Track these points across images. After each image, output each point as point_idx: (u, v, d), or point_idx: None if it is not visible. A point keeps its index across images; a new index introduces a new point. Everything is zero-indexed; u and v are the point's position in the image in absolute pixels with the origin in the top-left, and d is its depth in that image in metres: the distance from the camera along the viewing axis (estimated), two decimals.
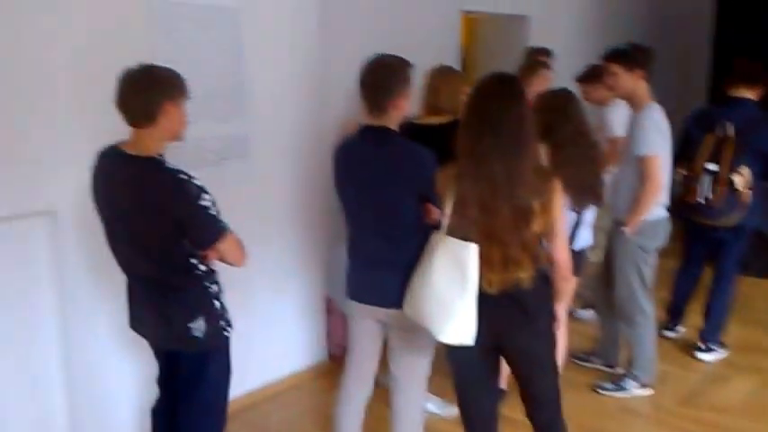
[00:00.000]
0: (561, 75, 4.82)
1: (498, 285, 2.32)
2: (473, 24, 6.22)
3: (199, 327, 2.41)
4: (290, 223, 3.86)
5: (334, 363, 4.08)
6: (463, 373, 2.54)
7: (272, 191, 3.73)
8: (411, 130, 2.92)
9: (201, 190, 2.27)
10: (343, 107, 4.04)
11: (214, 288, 2.47)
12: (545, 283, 2.44)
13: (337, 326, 4.16)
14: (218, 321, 2.48)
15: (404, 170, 2.58)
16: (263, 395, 3.82)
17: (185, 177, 2.26)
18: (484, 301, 2.31)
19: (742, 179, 3.93)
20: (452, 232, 2.34)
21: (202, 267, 2.41)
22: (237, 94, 3.46)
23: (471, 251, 2.28)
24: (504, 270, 2.31)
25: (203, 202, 2.26)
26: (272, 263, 3.76)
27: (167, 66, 2.36)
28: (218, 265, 2.48)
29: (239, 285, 3.41)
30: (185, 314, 2.42)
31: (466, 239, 2.30)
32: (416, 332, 2.66)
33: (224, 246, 2.35)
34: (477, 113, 2.32)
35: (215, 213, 2.31)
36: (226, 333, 2.52)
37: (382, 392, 3.01)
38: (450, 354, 2.49)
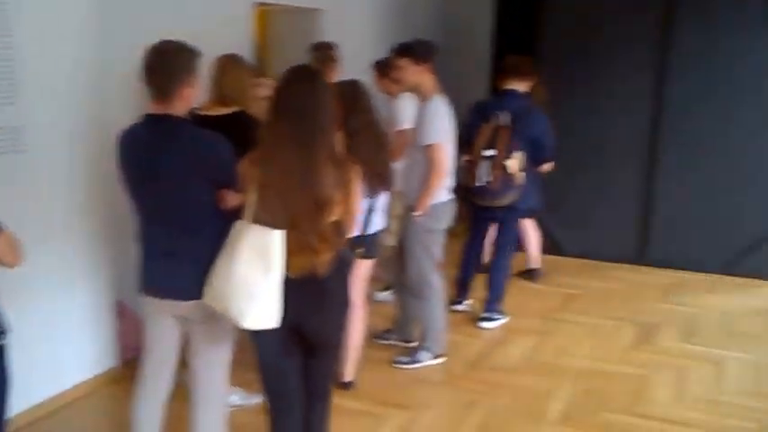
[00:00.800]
0: (352, 67, 5.01)
1: (297, 270, 2.40)
2: (266, 16, 6.25)
3: None
4: (73, 221, 3.61)
5: (127, 368, 3.89)
6: (267, 354, 2.59)
7: (51, 186, 3.46)
8: (194, 120, 2.85)
9: None
10: (126, 94, 3.80)
11: None
12: (342, 268, 2.55)
13: (129, 330, 3.96)
14: None
15: (193, 157, 2.50)
16: (49, 407, 3.56)
17: None
18: (284, 283, 2.37)
19: (515, 163, 4.38)
20: (256, 219, 2.37)
21: None
22: (6, 81, 3.17)
23: (275, 237, 2.32)
24: (302, 256, 2.38)
25: None
26: (53, 265, 3.50)
27: None
28: None
29: (17, 291, 3.18)
30: None
31: (269, 226, 2.34)
32: (217, 323, 2.66)
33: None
34: (277, 103, 2.39)
35: None
36: (3, 341, 2.34)
37: (181, 391, 2.95)
38: (255, 337, 2.53)
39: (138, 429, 2.85)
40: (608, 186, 6.11)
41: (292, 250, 2.36)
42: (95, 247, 3.77)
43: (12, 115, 3.22)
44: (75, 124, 3.56)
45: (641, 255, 6.13)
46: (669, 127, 5.85)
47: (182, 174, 2.51)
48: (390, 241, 4.88)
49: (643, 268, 6.05)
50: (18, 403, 3.31)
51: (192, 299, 2.59)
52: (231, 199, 2.58)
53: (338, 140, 2.45)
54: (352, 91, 3.44)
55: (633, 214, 6.10)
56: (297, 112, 2.35)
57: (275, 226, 2.34)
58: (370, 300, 4.87)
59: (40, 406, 3.53)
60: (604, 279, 5.82)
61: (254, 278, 2.35)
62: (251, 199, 2.39)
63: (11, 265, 2.28)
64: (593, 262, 6.18)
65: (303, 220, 2.35)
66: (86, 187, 3.67)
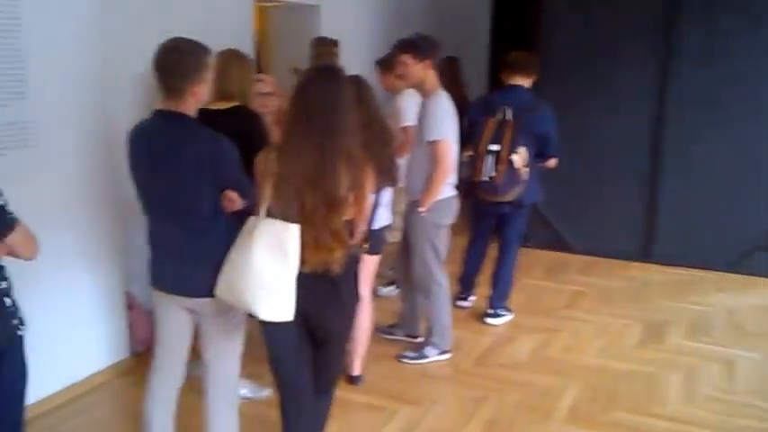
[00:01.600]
0: (352, 62, 5.01)
1: (311, 266, 2.41)
2: (266, 13, 6.27)
3: None
4: (81, 215, 3.63)
5: (138, 359, 3.93)
6: (279, 347, 2.60)
7: (60, 180, 3.48)
8: (198, 114, 2.89)
9: None
10: (132, 91, 3.88)
11: (3, 285, 2.28)
12: (353, 265, 2.57)
13: (140, 321, 4.01)
14: (11, 320, 2.30)
15: (200, 158, 2.50)
16: (61, 399, 3.59)
17: None
18: (297, 278, 2.38)
19: (520, 158, 4.35)
20: (272, 214, 2.39)
21: None
22: (15, 77, 3.18)
23: (292, 231, 2.34)
24: (317, 252, 2.40)
25: None
26: (62, 258, 3.52)
27: None
28: (5, 261, 2.29)
29: (27, 284, 3.17)
30: None
31: (286, 220, 2.35)
32: (228, 316, 2.68)
33: (14, 239, 2.19)
34: (296, 101, 2.40)
35: (3, 204, 2.16)
36: (19, 332, 2.34)
37: (193, 382, 2.96)
38: (266, 329, 2.54)
39: (151, 420, 2.86)
40: (615, 183, 6.08)
41: (307, 247, 2.38)
42: (104, 240, 3.79)
43: (22, 110, 3.24)
44: (83, 119, 3.58)
45: (648, 252, 6.09)
46: (674, 123, 5.81)
47: (187, 172, 2.51)
48: (394, 237, 4.90)
49: (651, 266, 6.01)
50: (31, 393, 3.34)
51: (202, 296, 2.61)
52: (236, 201, 2.59)
53: (357, 141, 2.44)
54: (354, 86, 3.41)
55: (640, 212, 6.07)
56: (318, 111, 2.35)
57: (292, 221, 2.36)
58: (375, 295, 4.88)
59: (52, 397, 3.56)
60: (612, 277, 5.79)
61: (271, 271, 2.36)
62: (266, 194, 2.40)
63: (27, 258, 2.29)
64: (601, 259, 6.14)
65: (317, 217, 2.37)
66: (94, 181, 3.69)
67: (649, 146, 5.95)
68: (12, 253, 2.25)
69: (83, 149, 3.60)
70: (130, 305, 4.03)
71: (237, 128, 3.07)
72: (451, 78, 6.56)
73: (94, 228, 3.73)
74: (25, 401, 2.47)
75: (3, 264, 2.29)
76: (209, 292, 2.56)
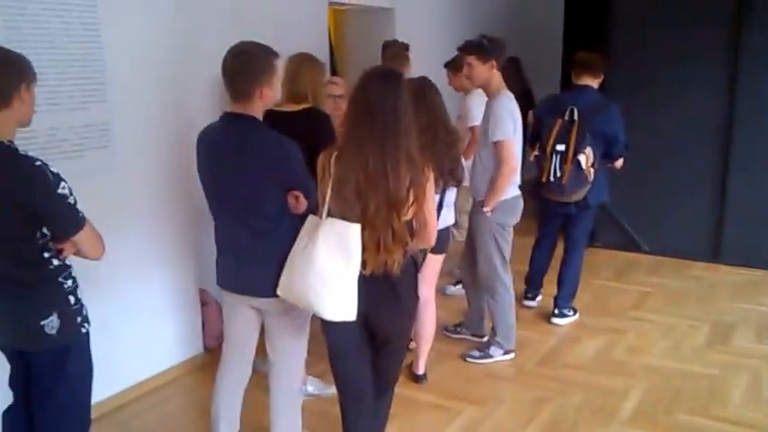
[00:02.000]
0: (424, 64, 5.06)
1: (371, 267, 2.45)
2: (340, 16, 6.36)
3: (52, 324, 2.32)
4: (156, 214, 3.77)
5: (211, 355, 4.06)
6: (340, 347, 2.65)
7: (135, 180, 3.63)
8: (268, 116, 2.94)
9: (59, 178, 2.18)
10: (205, 94, 4.01)
11: (69, 283, 2.37)
12: (412, 267, 2.60)
13: (212, 317, 4.12)
14: (75, 318, 2.39)
15: (266, 161, 2.56)
16: (135, 393, 3.75)
17: (41, 164, 2.17)
18: (358, 279, 2.43)
19: (586, 158, 4.33)
20: (333, 214, 2.43)
21: (56, 262, 2.32)
22: (96, 80, 3.35)
23: (354, 231, 2.37)
24: (377, 254, 2.43)
25: (62, 191, 2.18)
26: (138, 256, 3.67)
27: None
28: (77, 259, 2.39)
29: (104, 280, 3.38)
30: (38, 312, 2.31)
31: (348, 219, 2.40)
32: (292, 315, 2.75)
33: (82, 238, 2.27)
34: (357, 103, 2.43)
35: (73, 203, 2.23)
36: (83, 329, 2.43)
37: (259, 379, 3.05)
38: (327, 330, 2.60)
39: (218, 416, 2.96)
40: (684, 183, 5.94)
41: (368, 249, 2.42)
42: (178, 239, 3.93)
43: (102, 112, 3.40)
44: (159, 121, 3.73)
45: (717, 252, 5.94)
46: (743, 123, 5.64)
47: (253, 174, 2.58)
48: (460, 237, 4.95)
49: (719, 266, 5.86)
50: (106, 388, 3.55)
51: (266, 296, 2.68)
52: (302, 202, 2.65)
53: (416, 142, 2.46)
54: (420, 88, 3.45)
55: (708, 212, 5.92)
56: (377, 112, 2.38)
57: (352, 221, 2.40)
58: (441, 294, 4.94)
59: (127, 391, 3.71)
60: (680, 277, 5.68)
61: (334, 271, 2.40)
62: (327, 194, 2.44)
63: (93, 258, 2.38)
64: (669, 259, 6.03)
65: (377, 218, 2.40)
66: (169, 181, 3.82)
67: (719, 145, 5.79)
68: (78, 252, 2.34)
69: (158, 151, 3.74)
70: (204, 302, 4.16)
71: (308, 129, 3.17)
72: (515, 77, 6.63)
73: (169, 226, 3.87)
74: (91, 398, 2.57)
75: (69, 263, 2.38)
76: (273, 291, 2.62)
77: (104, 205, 3.40)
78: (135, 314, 3.72)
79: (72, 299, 2.39)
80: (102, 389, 3.52)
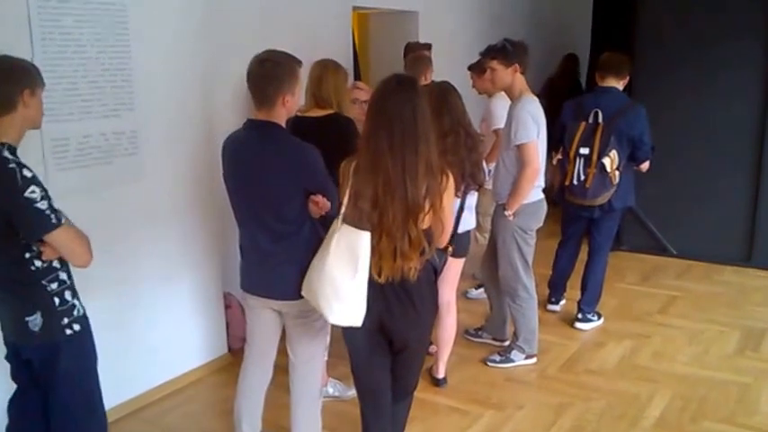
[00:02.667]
0: (449, 67, 5.06)
1: (387, 275, 2.45)
2: (364, 20, 6.37)
3: (36, 322, 2.36)
4: (182, 218, 3.83)
5: (235, 356, 4.10)
6: (358, 351, 2.67)
7: (162, 187, 3.69)
8: (294, 121, 2.96)
9: (31, 181, 2.20)
10: (231, 102, 4.07)
11: (53, 286, 2.39)
12: (430, 274, 2.60)
13: (236, 320, 4.17)
14: (61, 318, 2.41)
15: (288, 167, 2.62)
16: (162, 392, 3.80)
17: (14, 167, 2.19)
18: (372, 286, 2.44)
19: (611, 161, 4.29)
20: (348, 221, 2.44)
21: (38, 263, 2.34)
22: (125, 89, 3.42)
23: (364, 239, 2.39)
24: (393, 261, 2.43)
25: (30, 195, 2.19)
26: (165, 259, 3.74)
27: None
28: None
29: (130, 282, 3.47)
30: (23, 308, 2.37)
31: (360, 228, 2.41)
32: (312, 318, 2.79)
33: (57, 242, 2.29)
34: (375, 111, 2.44)
35: (43, 207, 2.23)
36: (69, 331, 2.43)
37: (281, 379, 3.09)
38: (346, 334, 2.62)
39: (241, 415, 3.03)
40: (714, 185, 5.85)
41: (383, 255, 2.43)
42: (201, 243, 3.99)
43: (131, 120, 3.48)
44: (186, 128, 3.79)
45: (748, 256, 5.84)
46: None
47: (275, 180, 2.64)
48: (482, 240, 4.93)
49: (750, 270, 5.76)
50: (133, 387, 3.63)
51: (286, 298, 2.74)
52: (322, 206, 2.68)
53: (435, 149, 2.46)
54: (441, 92, 3.47)
55: (740, 215, 5.82)
56: (395, 120, 2.38)
57: (365, 228, 2.41)
58: (463, 297, 4.92)
59: (152, 391, 3.77)
60: (709, 281, 5.59)
61: (341, 278, 2.43)
62: (345, 200, 2.46)
63: (77, 265, 2.40)
64: (699, 263, 5.94)
65: (394, 226, 2.40)
66: (195, 186, 3.88)
67: (750, 148, 5.69)
68: (63, 257, 2.37)
69: (185, 157, 3.81)
70: (228, 304, 4.23)
71: (332, 135, 3.20)
72: (571, 71, 6.59)
73: (195, 230, 3.94)
74: (100, 396, 2.60)
75: (57, 266, 2.40)
76: (293, 294, 2.67)
77: (133, 210, 3.49)
78: (162, 316, 3.80)
79: (57, 300, 2.41)
80: (129, 388, 3.61)
